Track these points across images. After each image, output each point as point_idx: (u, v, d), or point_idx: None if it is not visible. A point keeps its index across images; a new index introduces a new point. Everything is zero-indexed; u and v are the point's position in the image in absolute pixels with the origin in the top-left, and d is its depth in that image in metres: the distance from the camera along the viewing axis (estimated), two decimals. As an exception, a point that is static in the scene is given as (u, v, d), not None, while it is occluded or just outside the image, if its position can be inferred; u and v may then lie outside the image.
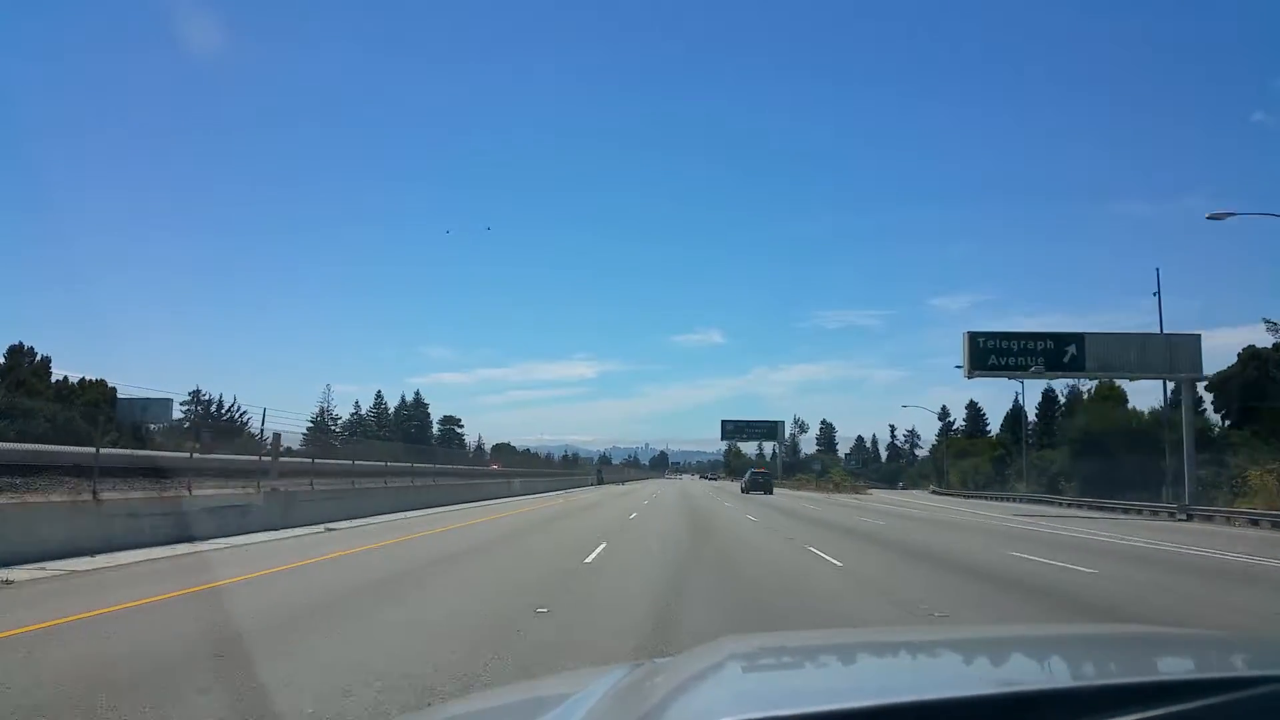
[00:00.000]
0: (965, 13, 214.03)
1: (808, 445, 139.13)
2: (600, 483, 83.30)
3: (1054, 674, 1.75)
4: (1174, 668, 1.76)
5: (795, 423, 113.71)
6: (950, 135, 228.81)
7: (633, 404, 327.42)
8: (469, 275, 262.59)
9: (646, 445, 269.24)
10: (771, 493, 60.71)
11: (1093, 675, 1.70)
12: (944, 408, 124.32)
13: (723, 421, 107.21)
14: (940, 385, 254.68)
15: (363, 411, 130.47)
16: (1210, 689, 1.26)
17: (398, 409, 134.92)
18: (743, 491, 61.52)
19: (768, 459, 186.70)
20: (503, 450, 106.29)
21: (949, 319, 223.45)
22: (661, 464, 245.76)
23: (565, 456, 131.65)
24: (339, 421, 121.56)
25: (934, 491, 79.02)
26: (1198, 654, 1.95)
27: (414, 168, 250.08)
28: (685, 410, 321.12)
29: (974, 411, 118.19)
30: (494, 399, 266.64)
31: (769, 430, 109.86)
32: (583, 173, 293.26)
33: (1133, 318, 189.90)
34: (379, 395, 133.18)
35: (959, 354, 39.50)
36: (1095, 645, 2.10)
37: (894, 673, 1.90)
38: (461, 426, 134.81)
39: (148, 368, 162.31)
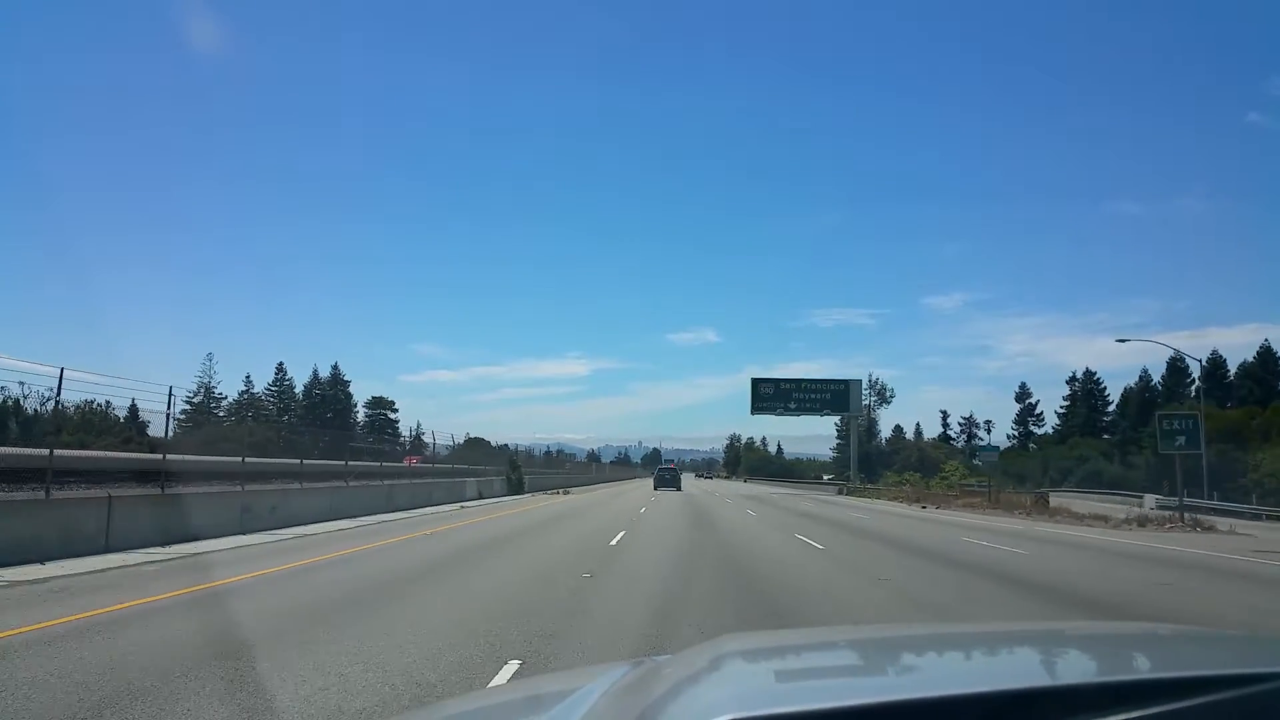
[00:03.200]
0: (960, 13, 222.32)
1: (819, 425, 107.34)
2: (514, 490, 44.46)
3: (1054, 671, 1.73)
4: (1174, 664, 1.70)
5: (871, 385, 72.87)
6: (945, 135, 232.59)
7: (626, 402, 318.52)
8: (461, 273, 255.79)
9: (640, 443, 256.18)
10: (680, 488, 61.09)
11: (1093, 672, 1.68)
12: (1084, 372, 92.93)
13: (754, 381, 64.43)
14: (933, 385, 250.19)
15: (256, 389, 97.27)
16: (1210, 686, 1.24)
17: (309, 387, 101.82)
18: (655, 489, 60.13)
19: (827, 454, 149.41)
20: (477, 445, 79.30)
21: (942, 318, 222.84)
22: (655, 461, 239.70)
23: (549, 454, 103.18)
24: (223, 403, 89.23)
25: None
26: (1198, 651, 1.92)
27: (408, 166, 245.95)
28: (679, 408, 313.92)
29: (1087, 388, 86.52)
30: (487, 397, 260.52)
31: (834, 396, 64.30)
32: (577, 172, 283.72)
33: (1127, 318, 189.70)
34: (280, 369, 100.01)
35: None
36: (1096, 642, 2.06)
37: (893, 670, 1.84)
38: (395, 411, 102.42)
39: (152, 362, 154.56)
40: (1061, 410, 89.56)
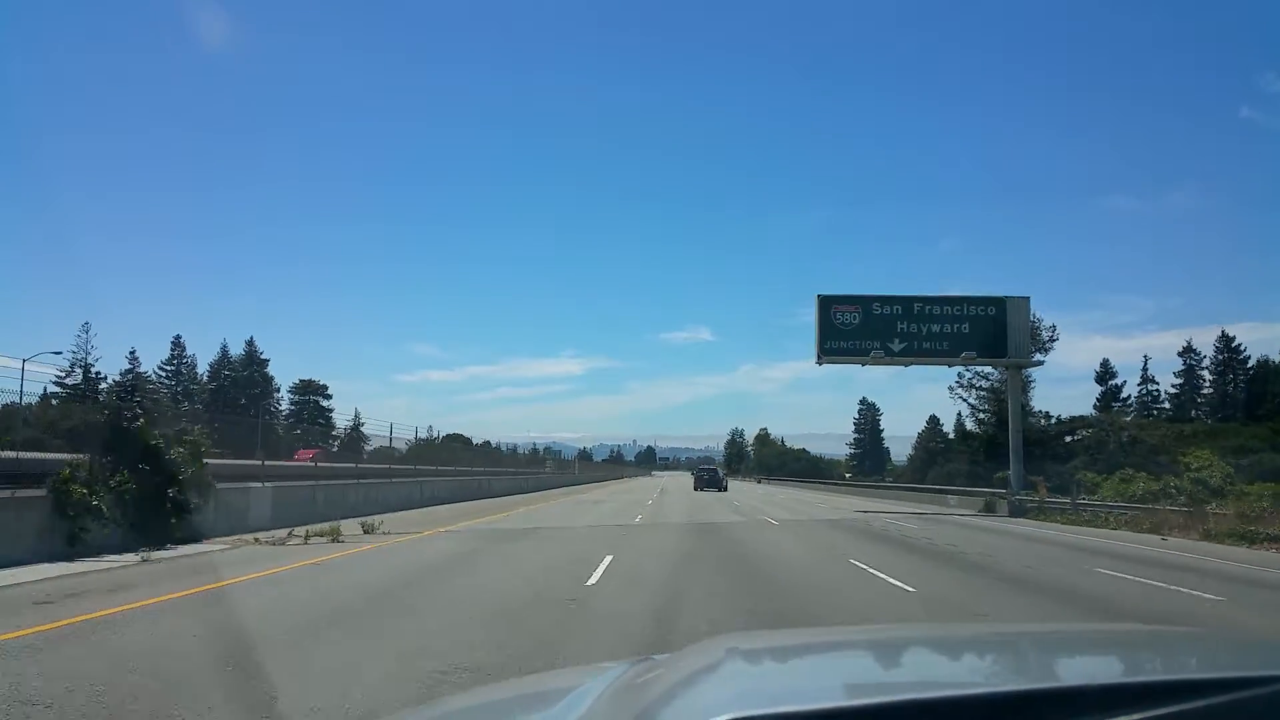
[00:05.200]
0: (956, 13, 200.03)
1: (815, 422, 76.84)
2: (156, 535, 14.20)
3: (1055, 673, 1.72)
4: (1175, 667, 1.69)
5: (1036, 332, 41.15)
6: (940, 133, 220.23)
7: (621, 400, 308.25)
8: (457, 273, 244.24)
9: (634, 441, 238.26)
10: (725, 489, 57.53)
11: (1094, 675, 1.65)
12: (1219, 338, 62.47)
13: (823, 300, 35.25)
14: (930, 382, 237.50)
15: (144, 367, 72.86)
16: (1211, 689, 1.23)
17: (217, 367, 76.57)
18: (695, 489, 55.74)
19: (839, 452, 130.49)
20: (453, 441, 60.49)
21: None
22: (649, 460, 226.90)
23: (535, 452, 79.93)
24: (103, 384, 64.63)
25: None
26: (1199, 654, 1.90)
27: (405, 167, 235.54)
28: (674, 407, 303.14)
29: (1225, 359, 54.82)
30: (483, 396, 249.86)
31: (976, 326, 34.15)
32: (574, 173, 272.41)
33: (1120, 316, 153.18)
34: (178, 343, 75.36)
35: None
36: (1098, 645, 2.05)
37: (894, 671, 1.84)
38: (329, 397, 77.05)
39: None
40: (1174, 390, 69.64)
